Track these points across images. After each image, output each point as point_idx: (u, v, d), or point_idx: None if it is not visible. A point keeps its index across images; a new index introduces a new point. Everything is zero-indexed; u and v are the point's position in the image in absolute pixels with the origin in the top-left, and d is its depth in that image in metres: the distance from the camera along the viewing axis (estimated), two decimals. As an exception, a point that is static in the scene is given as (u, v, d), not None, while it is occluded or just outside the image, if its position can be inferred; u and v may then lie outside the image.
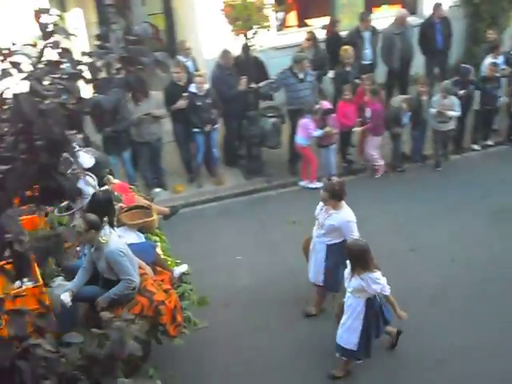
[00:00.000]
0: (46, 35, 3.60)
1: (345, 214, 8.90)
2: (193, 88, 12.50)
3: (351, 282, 7.98)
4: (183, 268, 8.99)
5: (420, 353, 8.95)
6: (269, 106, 13.61)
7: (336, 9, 16.07)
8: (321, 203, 9.13)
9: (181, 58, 13.37)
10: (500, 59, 14.07)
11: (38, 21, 3.66)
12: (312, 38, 14.07)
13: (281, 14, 15.79)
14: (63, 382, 3.72)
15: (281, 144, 13.44)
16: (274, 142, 13.26)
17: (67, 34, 3.60)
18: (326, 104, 12.81)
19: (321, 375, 8.69)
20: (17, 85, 3.43)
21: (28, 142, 3.30)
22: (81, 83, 3.51)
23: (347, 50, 13.51)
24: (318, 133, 12.53)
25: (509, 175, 13.16)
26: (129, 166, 12.63)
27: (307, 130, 12.52)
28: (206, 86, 12.64)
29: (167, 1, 16.38)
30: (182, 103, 12.47)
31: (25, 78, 3.40)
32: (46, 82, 3.41)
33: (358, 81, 13.46)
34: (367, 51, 14.59)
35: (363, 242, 8.16)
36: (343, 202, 8.98)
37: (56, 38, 3.63)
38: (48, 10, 3.66)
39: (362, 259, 7.87)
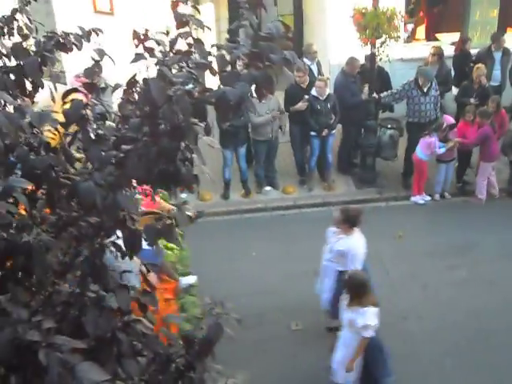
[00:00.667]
0: (181, 24, 3.72)
1: (354, 242, 8.66)
2: (314, 91, 12.55)
3: (344, 314, 7.80)
4: (191, 279, 8.86)
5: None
6: (388, 118, 13.51)
7: (468, 26, 15.73)
8: (333, 227, 8.94)
9: (306, 60, 13.43)
10: None
11: (174, 10, 3.80)
12: (438, 53, 13.82)
13: (410, 26, 15.61)
14: (157, 360, 3.84)
15: (396, 156, 13.30)
16: (389, 153, 13.14)
17: (201, 26, 3.72)
18: (449, 119, 12.57)
19: None
20: (148, 70, 3.56)
21: (152, 125, 3.42)
22: (207, 74, 3.61)
23: (480, 68, 13.23)
24: (442, 149, 12.31)
25: None
26: (243, 161, 12.83)
27: (432, 148, 12.31)
28: (328, 91, 12.67)
29: (298, 2, 16.51)
30: (301, 105, 12.55)
31: (156, 64, 3.52)
32: (174, 70, 3.53)
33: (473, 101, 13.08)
34: (497, 72, 14.22)
35: (364, 273, 7.94)
36: (356, 230, 8.73)
37: (189, 28, 3.75)
38: (186, 0, 3.79)
39: (360, 292, 7.65)
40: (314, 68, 13.65)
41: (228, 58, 3.47)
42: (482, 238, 11.77)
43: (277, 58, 3.19)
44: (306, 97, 12.55)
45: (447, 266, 11.13)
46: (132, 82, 3.49)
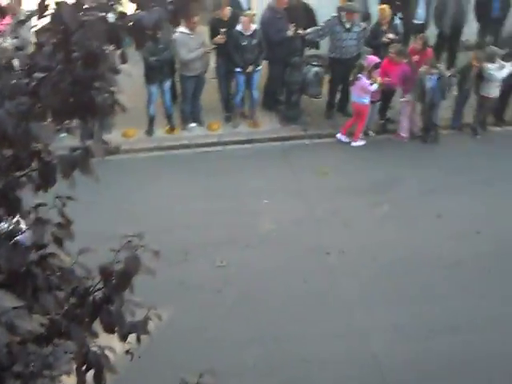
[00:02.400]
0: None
1: None
2: (239, 27, 12.38)
3: None
4: None
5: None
6: (314, 55, 13.46)
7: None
8: None
9: (232, -7, 13.23)
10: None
11: None
12: None
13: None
14: (76, 294, 3.79)
15: (321, 94, 13.32)
16: (315, 91, 13.14)
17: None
18: (373, 58, 12.60)
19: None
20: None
21: (66, 52, 3.29)
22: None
23: (384, 9, 13.28)
24: (375, 85, 12.37)
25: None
26: (168, 96, 12.64)
27: (365, 87, 12.36)
28: (253, 27, 12.51)
29: None
30: (217, 39, 12.41)
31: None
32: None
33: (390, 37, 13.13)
34: (420, 11, 14.28)
35: None
36: None
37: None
38: None
39: None
40: (244, 1, 13.43)
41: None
42: (404, 175, 12.00)
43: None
44: (223, 30, 12.35)
45: (369, 202, 11.31)
46: (43, 7, 3.33)
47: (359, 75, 12.37)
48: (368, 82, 12.31)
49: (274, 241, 10.32)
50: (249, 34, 12.39)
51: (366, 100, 12.54)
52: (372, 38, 13.23)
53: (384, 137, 13.23)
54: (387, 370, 8.25)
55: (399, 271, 9.78)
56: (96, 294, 3.74)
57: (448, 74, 12.88)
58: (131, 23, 3.15)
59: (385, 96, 13.09)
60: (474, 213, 11.07)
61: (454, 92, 13.20)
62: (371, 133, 13.22)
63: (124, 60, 3.32)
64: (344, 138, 12.98)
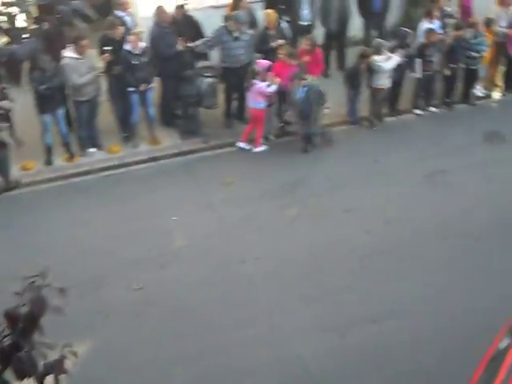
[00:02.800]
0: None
1: None
2: (127, 46, 12.25)
3: None
4: None
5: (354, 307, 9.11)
6: (205, 66, 13.44)
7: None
8: None
9: (118, 12, 13.06)
10: (436, 24, 14.11)
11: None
12: None
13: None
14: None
15: (217, 104, 13.33)
16: (210, 102, 13.14)
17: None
18: (263, 62, 12.67)
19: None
20: None
21: None
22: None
23: (270, 14, 13.41)
24: (272, 86, 12.41)
25: (444, 138, 13.29)
26: (63, 124, 12.37)
27: (262, 90, 12.40)
28: (142, 45, 12.41)
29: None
30: (103, 57, 12.26)
31: None
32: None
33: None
34: (305, 12, 14.50)
35: None
36: None
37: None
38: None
39: None
40: (130, 20, 13.30)
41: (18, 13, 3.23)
42: (309, 174, 12.14)
43: (66, 8, 3.00)
44: (107, 48, 12.20)
45: (279, 205, 11.37)
46: None
47: (253, 80, 12.44)
48: (264, 84, 12.38)
49: (188, 256, 10.23)
50: (138, 52, 12.27)
51: (262, 104, 12.61)
52: (261, 44, 13.31)
53: (284, 139, 13.34)
54: (315, 370, 8.27)
55: (314, 269, 9.87)
56: (4, 340, 3.58)
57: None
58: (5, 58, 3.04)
59: (280, 98, 13.19)
60: (380, 204, 11.30)
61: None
62: (271, 137, 13.31)
63: (3, 97, 3.21)
64: (245, 146, 13.01)
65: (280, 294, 9.47)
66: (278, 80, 12.50)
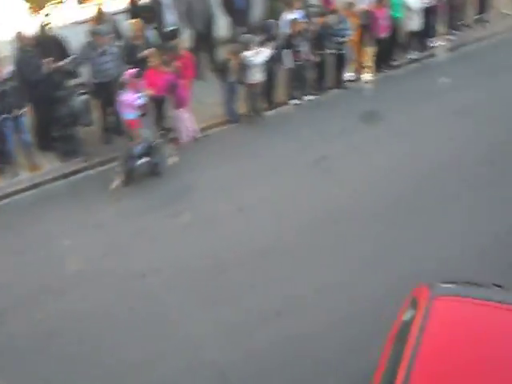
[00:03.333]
0: None
1: None
2: (-10, 73, 11.84)
3: None
4: None
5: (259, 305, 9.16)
6: (78, 84, 13.12)
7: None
8: None
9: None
10: (299, 14, 14.33)
11: None
12: (100, 12, 13.69)
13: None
14: None
15: (93, 121, 13.06)
16: (86, 119, 12.83)
17: None
18: (130, 71, 12.45)
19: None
20: None
21: None
22: None
23: (135, 24, 13.32)
24: (141, 99, 12.22)
25: (323, 125, 13.56)
26: None
27: (131, 102, 12.16)
28: (8, 70, 12.00)
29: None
30: None
31: None
32: None
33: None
34: (170, 17, 14.42)
35: None
36: None
37: None
38: None
39: None
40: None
41: None
42: (197, 179, 12.11)
43: None
44: None
45: (170, 214, 11.31)
46: None
47: (122, 92, 12.17)
48: (135, 96, 12.15)
49: (86, 280, 9.98)
50: (3, 78, 11.86)
51: (133, 115, 12.33)
52: (130, 55, 13.13)
53: (168, 146, 13.22)
54: (231, 373, 8.28)
55: (215, 272, 9.89)
56: None
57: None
58: None
59: (156, 107, 13.05)
60: (271, 198, 11.43)
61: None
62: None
63: None
64: None
65: (185, 302, 9.43)
66: (150, 92, 12.34)
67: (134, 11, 14.21)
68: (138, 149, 12.05)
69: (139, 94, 12.10)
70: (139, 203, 11.64)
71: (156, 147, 12.28)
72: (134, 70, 12.33)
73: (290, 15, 14.16)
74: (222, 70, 13.38)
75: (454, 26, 16.88)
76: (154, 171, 12.32)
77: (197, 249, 10.40)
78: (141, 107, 12.25)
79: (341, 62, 14.85)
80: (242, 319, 9.00)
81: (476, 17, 17.55)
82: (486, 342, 6.23)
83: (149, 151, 12.20)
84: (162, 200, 11.68)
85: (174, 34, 14.22)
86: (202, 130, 13.57)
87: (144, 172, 12.27)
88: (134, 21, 13.39)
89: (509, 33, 17.11)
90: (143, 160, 12.18)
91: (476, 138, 12.78)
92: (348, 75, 15.17)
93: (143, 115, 12.54)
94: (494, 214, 10.70)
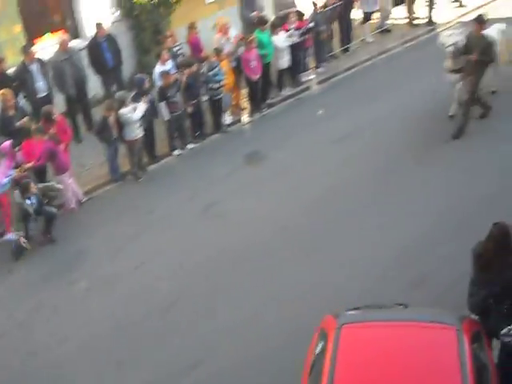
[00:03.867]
0: None
1: None
2: None
3: None
4: None
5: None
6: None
7: (-3, 46, 15.35)
8: None
9: None
10: (169, 65, 14.46)
11: None
12: None
13: None
14: None
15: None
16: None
17: None
18: (5, 145, 12.14)
19: None
20: None
21: None
22: None
23: (5, 95, 13.02)
24: (7, 179, 11.83)
25: (208, 171, 13.63)
26: None
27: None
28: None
29: None
30: None
31: None
32: None
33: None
34: (40, 84, 14.18)
35: None
36: None
37: None
38: None
39: None
40: None
41: None
42: (87, 245, 11.90)
43: None
44: None
45: (67, 282, 11.06)
46: None
47: None
48: (2, 176, 11.74)
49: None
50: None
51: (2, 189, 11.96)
52: (4, 127, 12.87)
53: (60, 213, 12.78)
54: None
55: (119, 335, 9.76)
56: None
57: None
58: None
59: (38, 176, 12.73)
60: (166, 253, 11.42)
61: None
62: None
63: None
64: (11, 236, 12.17)
65: (100, 368, 9.25)
66: (29, 165, 12.05)
67: (2, 81, 13.91)
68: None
69: (9, 172, 11.82)
70: (34, 273, 11.37)
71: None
72: (6, 143, 12.04)
73: (161, 67, 14.25)
74: (101, 129, 13.20)
75: (322, 58, 17.41)
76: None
77: (98, 316, 10.22)
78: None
79: (218, 107, 15.01)
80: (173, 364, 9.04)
81: (342, 48, 18.18)
82: (392, 357, 6.56)
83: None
84: (56, 269, 11.41)
85: (46, 101, 13.98)
86: (86, 192, 13.35)
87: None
88: (3, 91, 13.07)
89: (372, 59, 17.83)
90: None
91: (358, 164, 13.13)
92: (227, 119, 15.36)
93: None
94: (384, 238, 10.99)
